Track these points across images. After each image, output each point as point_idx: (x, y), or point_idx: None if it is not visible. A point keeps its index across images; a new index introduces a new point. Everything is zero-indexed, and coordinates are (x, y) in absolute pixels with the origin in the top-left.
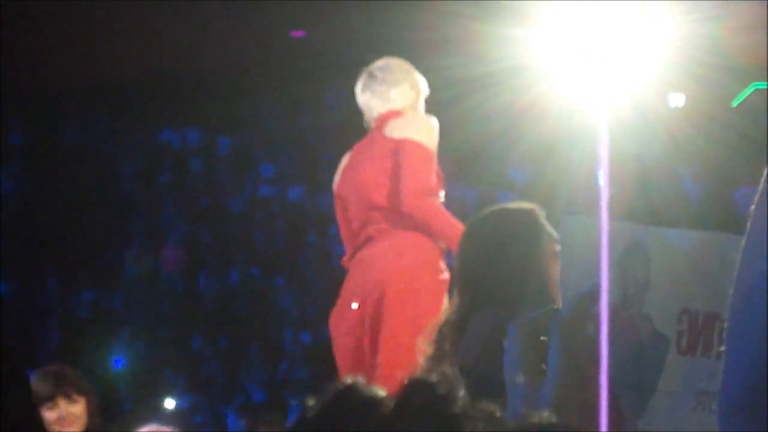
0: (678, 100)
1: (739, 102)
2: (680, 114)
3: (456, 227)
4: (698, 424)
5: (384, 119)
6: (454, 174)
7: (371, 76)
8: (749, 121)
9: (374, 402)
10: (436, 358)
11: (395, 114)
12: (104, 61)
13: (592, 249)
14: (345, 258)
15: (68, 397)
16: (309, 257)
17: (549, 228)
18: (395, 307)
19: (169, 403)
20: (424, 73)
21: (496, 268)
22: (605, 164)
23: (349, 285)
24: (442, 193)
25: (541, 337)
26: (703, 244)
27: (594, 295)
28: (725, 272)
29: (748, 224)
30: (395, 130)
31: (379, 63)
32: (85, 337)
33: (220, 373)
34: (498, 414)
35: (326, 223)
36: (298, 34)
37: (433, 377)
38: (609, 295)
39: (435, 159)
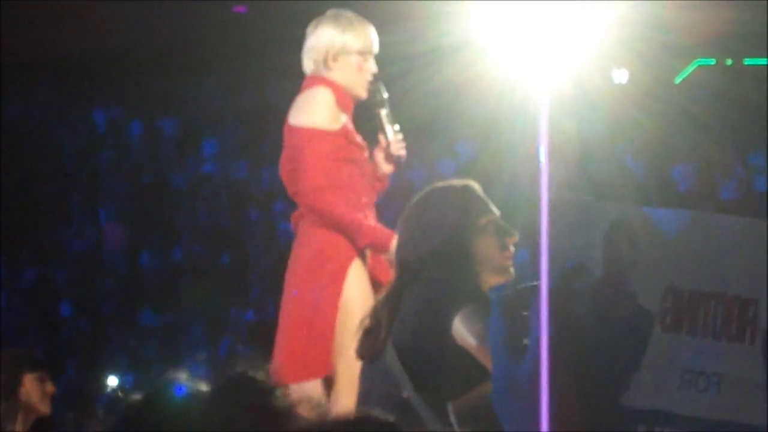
0: (621, 76)
1: (682, 78)
2: (623, 90)
3: (350, 220)
4: (683, 402)
5: (301, 89)
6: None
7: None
8: (691, 98)
9: (191, 398)
10: (372, 335)
11: (306, 83)
12: (47, 38)
13: (577, 227)
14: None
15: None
16: (253, 234)
17: (479, 203)
18: (287, 301)
19: (112, 381)
20: None
21: (421, 246)
22: (546, 140)
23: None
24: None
25: (524, 312)
26: (690, 224)
27: (574, 272)
28: (711, 251)
29: None
30: (291, 112)
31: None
32: (27, 314)
33: (162, 351)
34: (321, 410)
35: (270, 200)
36: (239, 9)
37: (257, 372)
38: (593, 273)
39: (322, 134)
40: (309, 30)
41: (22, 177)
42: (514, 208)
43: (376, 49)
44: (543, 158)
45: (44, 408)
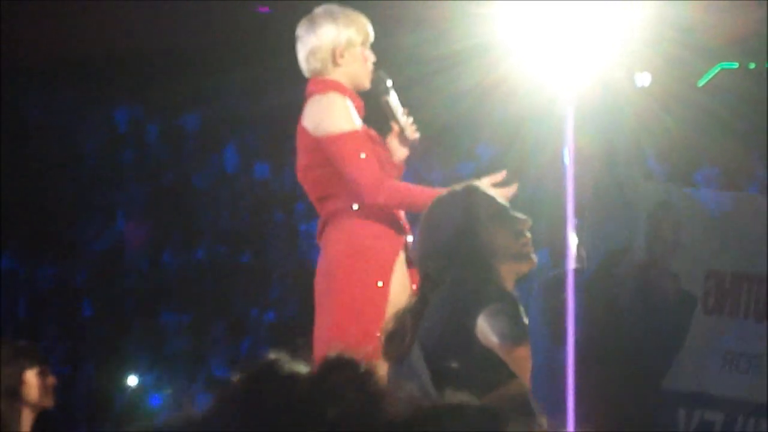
0: (644, 79)
1: (705, 81)
2: (646, 93)
3: (422, 194)
4: (724, 384)
5: (306, 94)
6: (421, 152)
7: (296, 35)
8: (715, 101)
9: (293, 378)
10: (398, 338)
11: (312, 87)
12: (69, 38)
13: (619, 210)
14: (317, 236)
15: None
16: (274, 235)
17: (481, 199)
18: (343, 285)
19: (132, 380)
20: (393, 51)
21: (433, 251)
22: (571, 142)
23: (317, 266)
24: (401, 151)
25: (565, 296)
26: (733, 205)
27: (619, 254)
28: (754, 233)
29: None
30: (307, 120)
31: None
32: (48, 314)
33: (184, 350)
34: (418, 393)
35: (292, 201)
36: (263, 9)
37: (354, 355)
38: (636, 254)
39: (358, 135)
40: (302, 33)
41: (44, 176)
42: (539, 210)
43: (373, 37)
44: (567, 160)
45: (47, 402)
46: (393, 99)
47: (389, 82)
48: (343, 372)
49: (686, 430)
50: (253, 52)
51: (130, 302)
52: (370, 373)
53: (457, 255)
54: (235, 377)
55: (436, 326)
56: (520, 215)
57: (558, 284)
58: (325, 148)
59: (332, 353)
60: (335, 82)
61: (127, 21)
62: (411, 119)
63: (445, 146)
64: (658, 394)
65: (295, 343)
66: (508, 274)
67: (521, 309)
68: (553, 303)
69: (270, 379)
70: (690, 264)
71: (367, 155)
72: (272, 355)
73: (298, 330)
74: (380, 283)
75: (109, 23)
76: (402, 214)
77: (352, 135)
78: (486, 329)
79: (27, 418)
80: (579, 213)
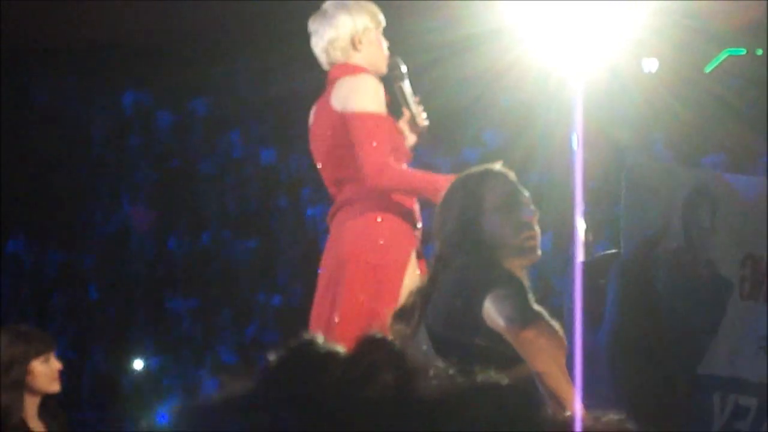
0: (651, 65)
1: (712, 67)
2: (654, 79)
3: (423, 180)
4: (759, 368)
5: (331, 78)
6: (429, 140)
7: (310, 30)
8: (722, 87)
9: (330, 357)
10: (405, 319)
11: (338, 71)
12: (76, 23)
13: (656, 194)
14: (328, 216)
15: (54, 357)
16: (280, 220)
17: (490, 186)
18: (356, 276)
19: (138, 365)
20: (401, 37)
21: (441, 234)
22: (579, 128)
23: (326, 249)
24: (410, 137)
25: (601, 281)
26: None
27: (655, 239)
28: None
29: None
30: (337, 100)
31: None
32: (55, 299)
33: (190, 335)
34: (451, 372)
35: (298, 186)
36: None
37: (389, 335)
38: (672, 239)
39: (381, 119)
40: (317, 26)
41: (51, 162)
42: (546, 196)
43: (384, 22)
44: (576, 146)
45: (54, 388)
46: (407, 85)
47: (404, 68)
48: (378, 351)
49: (721, 414)
50: (262, 38)
51: (136, 287)
52: (404, 353)
53: (464, 241)
54: (273, 358)
55: (443, 308)
56: (527, 207)
57: (592, 269)
58: (348, 124)
59: (367, 333)
60: (361, 67)
61: (135, 6)
62: (422, 107)
63: (452, 132)
64: (693, 379)
65: (303, 328)
66: (513, 263)
67: (530, 294)
68: (587, 288)
69: (307, 359)
70: (726, 249)
71: (381, 141)
72: (308, 336)
73: (304, 314)
74: (394, 280)
75: (116, 7)
76: (416, 206)
77: (375, 117)
78: (492, 313)
79: (33, 404)
80: (589, 199)
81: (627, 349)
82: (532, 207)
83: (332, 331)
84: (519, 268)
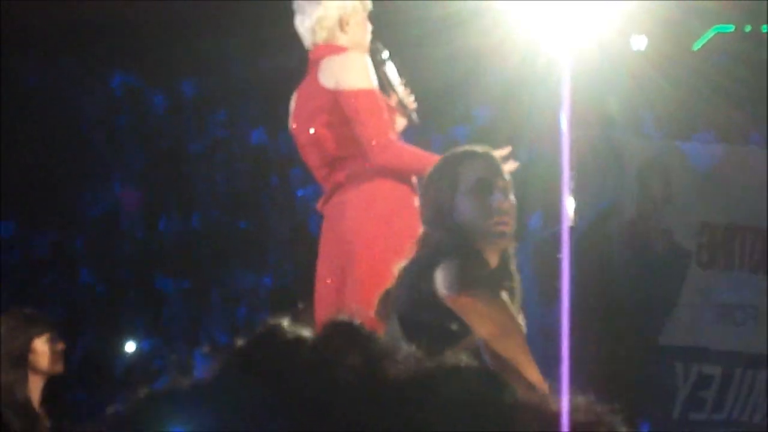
0: (640, 42)
1: (700, 45)
2: (642, 56)
3: (421, 158)
4: (720, 336)
5: (314, 59)
6: (418, 115)
7: (294, 7)
8: (711, 64)
9: (297, 342)
10: (384, 298)
11: (322, 51)
12: (66, 3)
13: (607, 167)
14: (319, 203)
15: (56, 338)
16: (271, 200)
17: (465, 169)
18: (366, 253)
19: (129, 346)
20: (388, 13)
21: (425, 214)
22: (567, 106)
23: (324, 232)
24: (400, 121)
25: (557, 256)
26: (723, 158)
27: (608, 212)
28: (746, 185)
29: None
30: (327, 78)
31: None
32: (46, 280)
33: (180, 316)
34: (419, 355)
35: (288, 166)
36: None
37: (356, 319)
38: (626, 211)
39: (379, 96)
40: (304, 3)
41: (40, 143)
42: (534, 173)
43: (371, 4)
44: (564, 124)
45: (57, 368)
46: (391, 69)
47: (386, 54)
48: (345, 335)
49: (684, 384)
50: (250, 18)
51: (127, 268)
52: (371, 336)
53: (439, 222)
54: (239, 342)
55: (404, 286)
56: (501, 193)
57: (549, 245)
58: (344, 102)
59: (333, 318)
60: (345, 47)
61: None
62: (409, 90)
63: (441, 109)
64: (654, 349)
65: (295, 308)
66: (484, 247)
67: (483, 263)
68: (545, 263)
69: (273, 343)
70: (683, 218)
71: (382, 118)
72: (274, 320)
73: (295, 295)
74: (401, 252)
75: None
76: (415, 181)
77: (373, 94)
78: (440, 281)
79: (37, 385)
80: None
81: (586, 323)
82: (510, 194)
83: (348, 301)
84: (491, 252)
